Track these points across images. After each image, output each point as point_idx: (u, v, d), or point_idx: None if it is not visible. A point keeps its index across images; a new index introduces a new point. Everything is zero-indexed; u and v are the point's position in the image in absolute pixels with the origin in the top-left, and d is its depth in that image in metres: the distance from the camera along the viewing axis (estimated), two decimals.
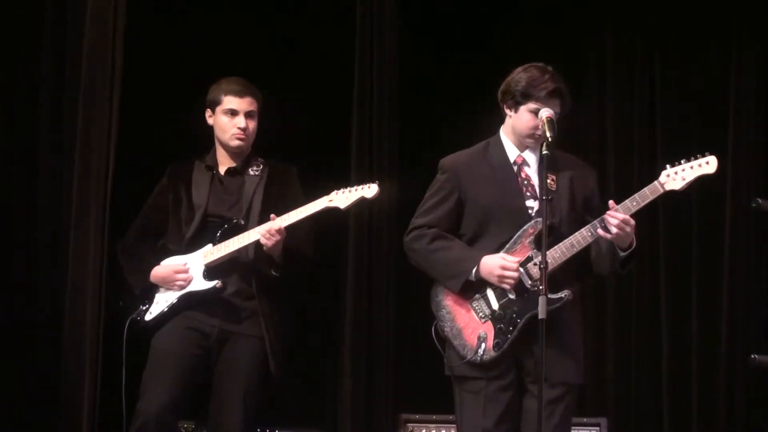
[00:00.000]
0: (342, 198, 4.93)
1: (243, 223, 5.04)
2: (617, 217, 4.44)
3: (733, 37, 6.65)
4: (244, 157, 5.18)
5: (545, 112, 4.52)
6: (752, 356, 4.77)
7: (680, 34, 6.74)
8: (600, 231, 4.48)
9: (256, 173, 5.15)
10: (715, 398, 6.45)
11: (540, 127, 4.53)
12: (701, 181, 4.54)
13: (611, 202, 4.47)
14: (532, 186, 4.64)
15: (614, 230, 4.44)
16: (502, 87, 4.66)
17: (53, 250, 5.74)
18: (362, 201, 4.94)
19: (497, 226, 4.61)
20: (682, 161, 4.53)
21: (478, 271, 4.56)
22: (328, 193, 4.98)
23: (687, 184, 4.51)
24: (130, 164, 5.82)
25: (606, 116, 6.83)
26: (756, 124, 6.59)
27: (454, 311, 4.64)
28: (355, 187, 4.95)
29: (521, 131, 4.64)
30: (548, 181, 4.53)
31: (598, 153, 6.78)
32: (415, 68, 6.60)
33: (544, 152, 4.44)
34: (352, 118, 6.40)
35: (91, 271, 5.62)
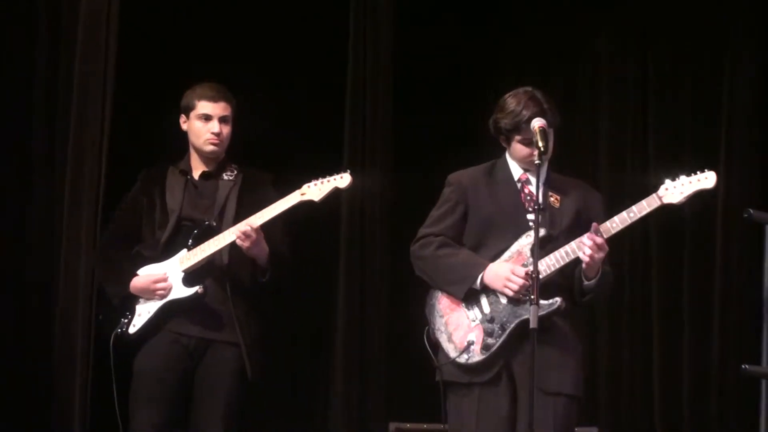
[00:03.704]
0: (315, 191, 4.89)
1: (215, 224, 4.99)
2: (593, 239, 4.46)
3: (728, 42, 6.67)
4: (218, 162, 5.14)
5: (537, 122, 4.54)
6: (743, 366, 4.77)
7: (673, 41, 6.76)
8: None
9: (231, 178, 5.11)
10: (706, 408, 6.46)
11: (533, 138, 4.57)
12: (699, 195, 4.57)
13: (594, 225, 4.48)
14: (534, 202, 4.65)
15: (588, 251, 4.46)
16: (491, 123, 4.69)
17: (45, 258, 5.73)
18: (336, 192, 4.91)
19: (497, 236, 4.64)
20: (682, 176, 4.57)
21: (483, 277, 4.58)
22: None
23: (685, 198, 4.56)
24: (123, 168, 5.80)
25: (598, 125, 6.85)
26: (750, 131, 6.60)
27: (447, 315, 4.65)
28: (327, 178, 4.91)
29: (520, 160, 4.70)
30: (551, 199, 4.62)
31: (591, 161, 6.80)
32: (409, 62, 6.63)
33: (536, 161, 4.47)
34: (345, 114, 6.42)
35: (82, 278, 5.61)
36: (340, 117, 6.43)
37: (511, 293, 4.53)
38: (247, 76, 6.25)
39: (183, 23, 6.28)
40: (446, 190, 4.77)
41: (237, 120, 5.15)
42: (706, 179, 4.56)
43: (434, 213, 4.77)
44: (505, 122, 4.61)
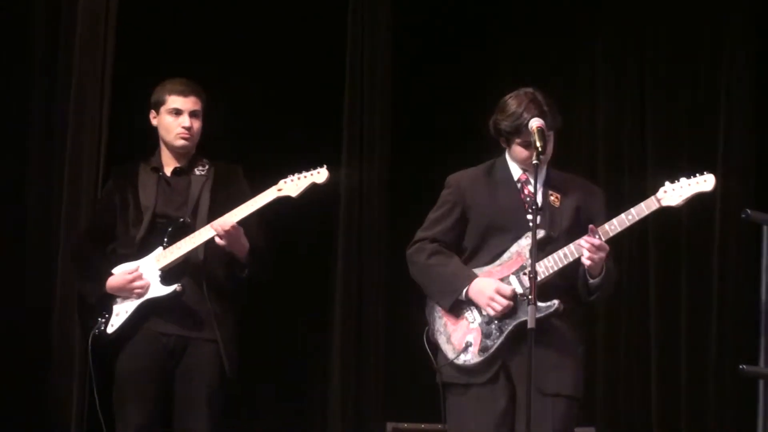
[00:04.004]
0: (292, 186, 4.87)
1: (189, 221, 4.96)
2: (590, 242, 4.46)
3: (726, 44, 6.67)
4: (189, 157, 5.11)
5: (535, 122, 4.53)
6: (741, 367, 4.77)
7: (671, 43, 6.77)
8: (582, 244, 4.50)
9: (202, 173, 5.08)
10: (704, 408, 6.47)
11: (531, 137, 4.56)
12: (698, 198, 4.57)
13: (591, 227, 4.48)
14: (533, 202, 4.65)
15: (586, 253, 4.46)
16: (491, 124, 4.67)
17: (42, 260, 5.72)
18: (314, 187, 4.87)
19: (498, 237, 4.63)
20: (681, 179, 4.56)
21: (468, 290, 4.57)
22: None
23: (684, 200, 4.55)
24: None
25: (596, 128, 6.85)
26: (747, 132, 6.61)
27: (446, 316, 4.64)
28: (303, 174, 4.89)
29: (520, 162, 4.69)
30: (552, 198, 4.60)
31: (589, 163, 6.80)
32: (408, 57, 6.65)
33: (534, 161, 4.46)
34: (343, 109, 6.43)
35: None
36: (338, 112, 6.44)
37: (493, 313, 4.53)
38: (246, 73, 6.26)
39: (183, 21, 6.28)
40: (444, 192, 4.76)
41: (207, 114, 5.12)
42: (705, 182, 4.55)
43: (431, 215, 4.76)
44: (505, 124, 4.59)
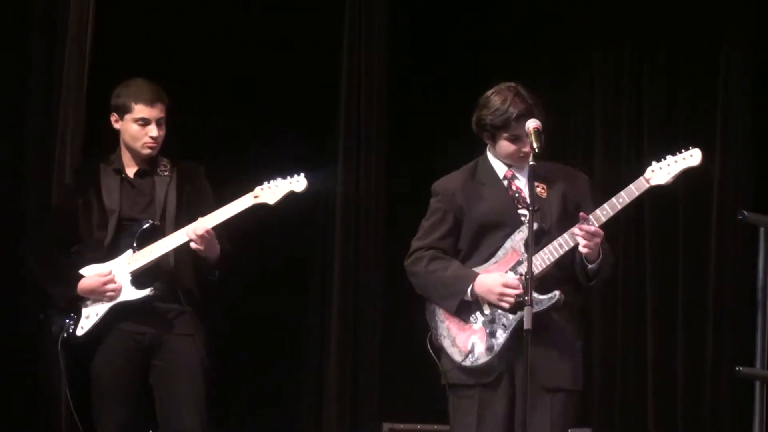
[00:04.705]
0: (269, 193, 4.84)
1: (158, 224, 4.93)
2: (583, 229, 4.46)
3: (723, 40, 6.67)
4: (151, 159, 5.05)
5: (532, 123, 4.53)
6: (737, 368, 4.77)
7: (668, 38, 6.76)
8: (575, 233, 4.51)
9: (165, 174, 5.04)
10: (700, 409, 6.47)
11: (527, 139, 4.56)
12: (687, 178, 4.59)
13: (582, 214, 4.48)
14: (524, 198, 4.65)
15: (582, 241, 4.47)
16: (474, 120, 4.67)
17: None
18: (291, 195, 4.85)
19: (492, 236, 4.63)
20: (668, 156, 4.56)
21: (473, 289, 4.57)
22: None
23: (672, 177, 4.55)
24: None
25: (594, 128, 6.84)
26: (744, 130, 6.60)
27: (448, 319, 4.64)
28: (281, 181, 4.86)
29: (505, 157, 4.68)
30: (538, 189, 4.58)
31: (586, 156, 6.80)
32: (405, 60, 6.64)
33: (531, 163, 4.46)
34: (340, 108, 6.43)
35: None
36: (335, 112, 6.44)
37: (507, 306, 4.52)
38: (242, 74, 6.26)
39: (180, 21, 6.27)
40: (433, 201, 4.75)
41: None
42: (692, 157, 4.55)
43: (424, 223, 4.75)
44: (491, 119, 4.58)
